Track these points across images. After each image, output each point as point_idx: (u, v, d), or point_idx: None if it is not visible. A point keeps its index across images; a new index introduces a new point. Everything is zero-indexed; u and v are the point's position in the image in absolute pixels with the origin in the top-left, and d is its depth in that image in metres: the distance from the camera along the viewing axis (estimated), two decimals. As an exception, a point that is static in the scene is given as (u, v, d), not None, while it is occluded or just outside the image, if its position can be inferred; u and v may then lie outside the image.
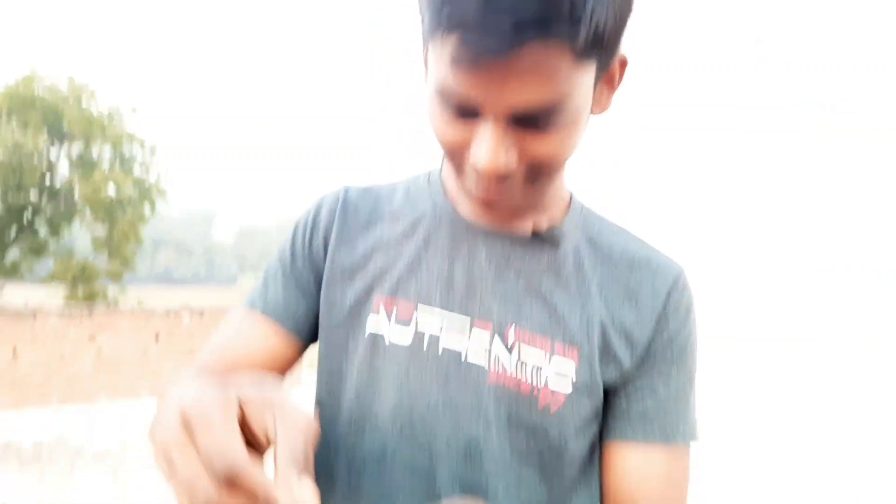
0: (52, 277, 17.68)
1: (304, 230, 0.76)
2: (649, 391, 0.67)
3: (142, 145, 18.87)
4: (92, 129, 17.53)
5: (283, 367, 0.74)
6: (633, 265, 0.70)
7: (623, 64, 0.60)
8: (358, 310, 0.70)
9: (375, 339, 0.68)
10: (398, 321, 0.68)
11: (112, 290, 18.26)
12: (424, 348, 0.66)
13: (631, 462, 0.67)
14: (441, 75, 0.54)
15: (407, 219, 0.73)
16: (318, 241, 0.74)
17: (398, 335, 0.67)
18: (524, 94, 0.51)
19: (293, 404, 0.43)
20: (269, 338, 0.72)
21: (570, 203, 0.73)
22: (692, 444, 0.69)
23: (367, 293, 0.70)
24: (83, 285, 17.39)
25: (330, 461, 0.70)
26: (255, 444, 0.43)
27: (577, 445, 0.67)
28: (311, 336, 0.75)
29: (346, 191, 0.77)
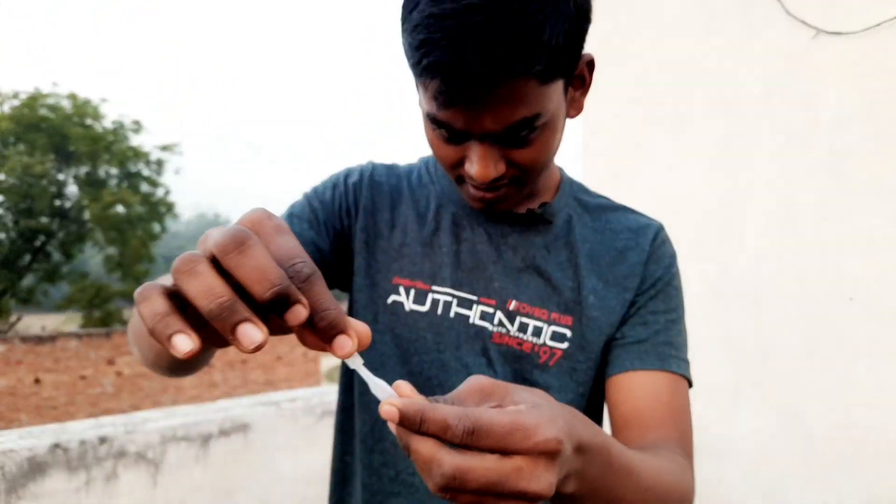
0: (68, 302, 17.58)
1: (336, 187, 0.82)
2: (641, 325, 0.75)
3: (147, 161, 18.69)
4: (97, 147, 17.36)
5: None
6: (618, 229, 0.80)
7: (591, 66, 0.68)
8: (380, 281, 0.78)
9: (396, 306, 0.77)
10: (416, 298, 0.76)
11: (128, 311, 18.15)
12: (439, 313, 0.75)
13: (636, 391, 0.71)
14: (428, 107, 0.63)
15: (420, 202, 0.81)
16: (346, 204, 0.81)
17: (416, 305, 0.76)
18: (500, 120, 0.61)
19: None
20: None
21: (560, 181, 0.82)
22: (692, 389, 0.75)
23: (388, 267, 0.78)
24: (99, 308, 17.27)
25: (355, 418, 0.80)
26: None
27: (577, 396, 0.75)
28: None
29: (374, 167, 0.84)
